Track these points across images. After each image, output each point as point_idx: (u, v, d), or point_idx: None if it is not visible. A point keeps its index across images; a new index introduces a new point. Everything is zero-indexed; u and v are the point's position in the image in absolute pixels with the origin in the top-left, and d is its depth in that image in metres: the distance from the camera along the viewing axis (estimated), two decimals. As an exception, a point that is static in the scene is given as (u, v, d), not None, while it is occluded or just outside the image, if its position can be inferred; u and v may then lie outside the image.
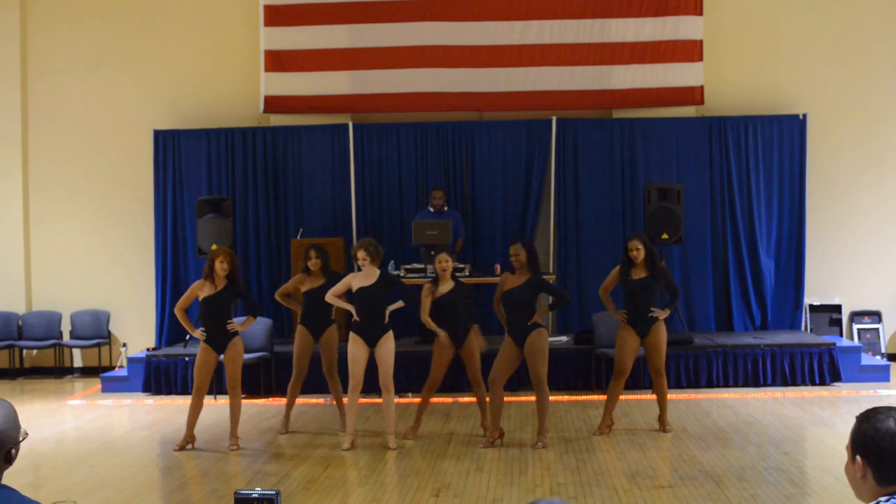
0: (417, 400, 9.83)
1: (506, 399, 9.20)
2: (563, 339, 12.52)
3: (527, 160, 13.46)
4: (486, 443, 8.90)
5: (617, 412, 10.42)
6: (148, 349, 12.97)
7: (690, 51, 13.25)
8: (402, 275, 12.02)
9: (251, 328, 11.98)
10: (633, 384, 11.65)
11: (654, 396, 9.67)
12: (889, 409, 2.65)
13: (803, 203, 13.28)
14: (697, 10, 13.23)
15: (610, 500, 7.09)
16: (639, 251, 9.20)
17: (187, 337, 12.35)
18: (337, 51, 13.49)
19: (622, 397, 11.27)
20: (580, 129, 13.45)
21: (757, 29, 13.57)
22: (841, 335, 13.23)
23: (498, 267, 11.79)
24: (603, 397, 11.19)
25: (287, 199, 13.65)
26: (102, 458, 8.98)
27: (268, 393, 11.84)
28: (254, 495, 3.31)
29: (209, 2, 13.97)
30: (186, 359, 11.90)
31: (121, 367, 13.34)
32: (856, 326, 13.35)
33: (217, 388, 11.15)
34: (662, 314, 9.23)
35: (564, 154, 13.41)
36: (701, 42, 13.26)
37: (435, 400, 10.88)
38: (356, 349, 8.81)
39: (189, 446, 9.09)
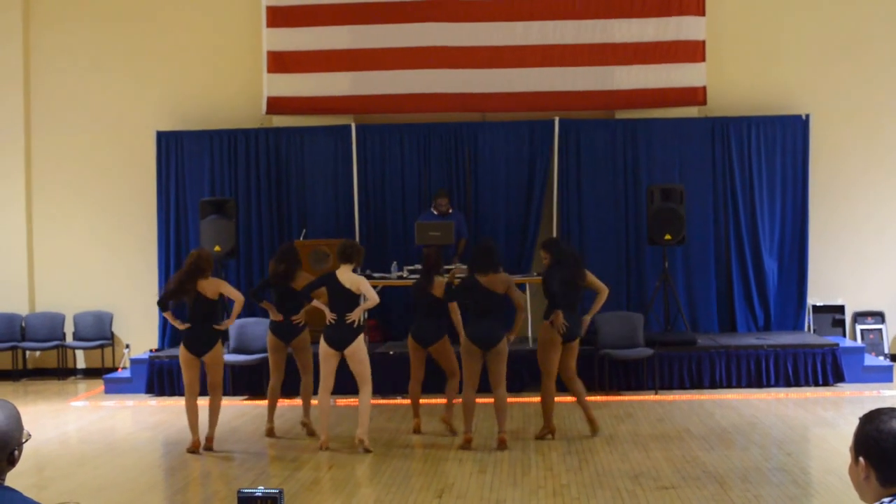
0: (408, 401, 9.94)
1: (508, 400, 9.18)
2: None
3: (529, 161, 13.45)
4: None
5: (619, 413, 10.44)
6: (151, 350, 12.98)
7: (693, 51, 13.24)
8: (404, 275, 12.03)
9: (253, 329, 12.01)
10: (638, 385, 11.68)
11: (609, 398, 9.63)
12: (892, 410, 2.65)
13: (806, 203, 13.27)
14: (700, 10, 13.21)
15: (613, 502, 7.08)
16: (544, 258, 9.38)
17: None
18: (339, 52, 13.49)
19: (624, 398, 11.31)
20: (583, 129, 13.44)
21: (760, 29, 13.56)
22: (844, 336, 13.21)
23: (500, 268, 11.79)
24: (605, 398, 11.22)
25: (290, 201, 13.65)
26: (106, 459, 8.98)
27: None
28: (257, 494, 3.31)
29: (212, 3, 13.98)
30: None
31: (124, 368, 13.35)
32: (859, 327, 13.33)
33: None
34: (553, 325, 9.14)
35: (567, 155, 13.40)
36: (704, 42, 13.24)
37: (437, 401, 10.89)
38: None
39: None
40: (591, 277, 9.33)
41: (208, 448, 9.00)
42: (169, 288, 9.16)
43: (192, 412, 9.02)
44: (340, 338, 8.84)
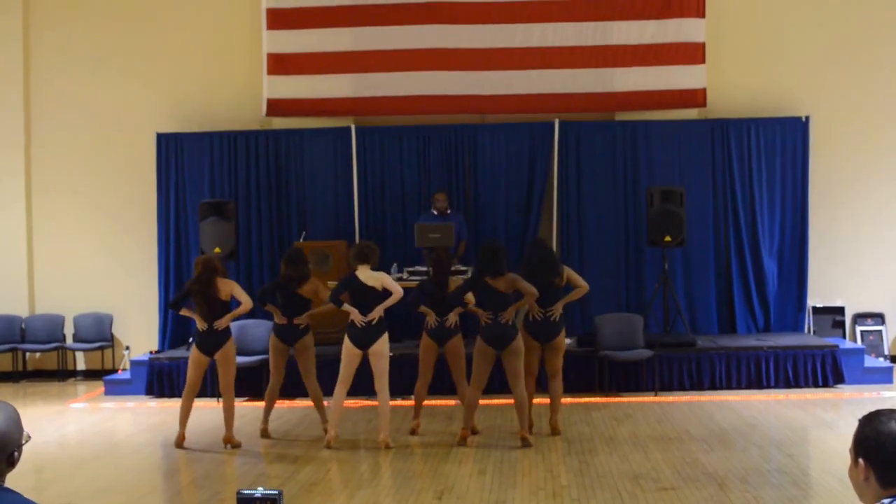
0: (410, 402, 9.97)
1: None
2: (567, 341, 12.48)
3: (529, 163, 13.45)
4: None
5: (619, 414, 10.44)
6: (151, 352, 12.98)
7: (693, 53, 13.23)
8: (404, 277, 12.03)
9: (253, 330, 12.01)
10: (637, 387, 11.68)
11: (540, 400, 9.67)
12: (892, 411, 2.65)
13: (806, 205, 13.27)
14: (700, 12, 13.21)
15: (613, 503, 7.08)
16: None
17: (190, 340, 12.35)
18: (339, 54, 13.49)
19: (624, 399, 11.31)
20: (583, 131, 13.44)
21: (759, 31, 13.57)
22: (844, 337, 13.21)
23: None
24: (605, 399, 11.22)
25: (290, 202, 13.65)
26: (105, 461, 8.98)
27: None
28: (256, 495, 3.30)
29: (212, 5, 13.98)
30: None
31: (124, 370, 13.34)
32: (859, 328, 13.33)
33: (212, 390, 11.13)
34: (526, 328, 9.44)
35: (567, 156, 13.40)
36: (703, 44, 13.24)
37: (437, 402, 10.91)
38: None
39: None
40: (571, 275, 9.41)
41: (235, 446, 9.21)
42: (187, 289, 9.29)
43: (185, 410, 9.26)
44: (365, 337, 8.98)
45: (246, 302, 9.13)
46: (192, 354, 9.28)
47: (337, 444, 9.21)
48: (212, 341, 9.14)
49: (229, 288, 9.15)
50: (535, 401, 9.57)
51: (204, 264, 9.24)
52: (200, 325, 9.14)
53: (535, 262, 9.34)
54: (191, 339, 11.32)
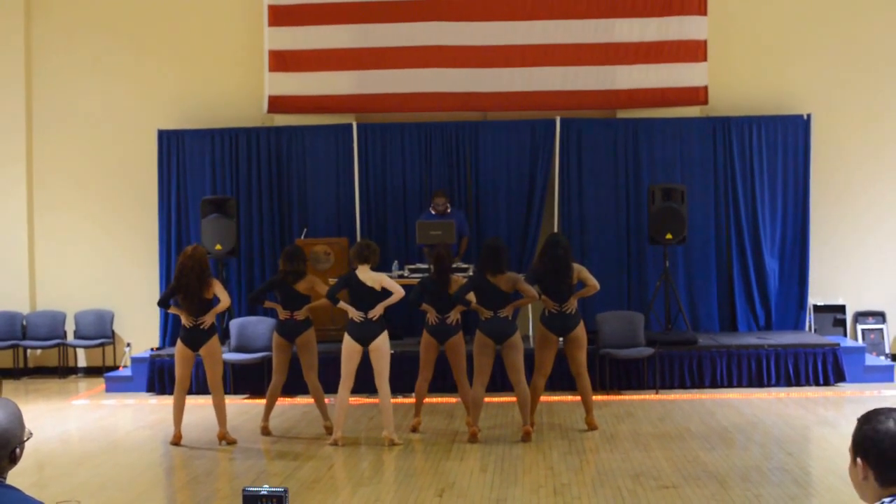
0: (411, 400, 9.99)
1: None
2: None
3: (531, 160, 13.44)
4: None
5: (620, 412, 10.44)
6: (152, 349, 12.98)
7: (695, 51, 13.23)
8: (405, 274, 12.04)
9: (254, 328, 12.01)
10: (639, 385, 11.68)
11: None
12: (890, 410, 2.66)
13: (807, 203, 13.27)
14: (702, 10, 13.20)
15: (614, 501, 7.08)
16: None
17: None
18: (341, 51, 13.49)
19: (625, 397, 11.32)
20: (584, 129, 13.44)
21: (761, 29, 13.56)
22: (845, 335, 13.21)
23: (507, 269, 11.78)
24: (606, 397, 11.22)
25: (291, 199, 13.65)
26: (106, 457, 8.98)
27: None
28: (262, 492, 3.31)
29: (213, 2, 13.98)
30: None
31: (125, 366, 13.35)
32: (860, 327, 13.33)
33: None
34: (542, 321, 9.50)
35: (568, 154, 13.40)
36: (705, 42, 13.23)
37: (438, 399, 10.91)
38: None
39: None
40: (582, 273, 9.40)
41: (231, 442, 9.26)
42: (174, 286, 9.30)
43: (178, 409, 9.32)
44: (365, 333, 9.02)
45: (225, 300, 9.25)
46: (178, 350, 9.33)
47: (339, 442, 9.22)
48: (196, 337, 9.20)
49: (211, 286, 9.24)
50: (542, 398, 9.58)
51: (195, 258, 9.21)
52: (185, 321, 9.20)
53: (548, 262, 9.33)
54: None
